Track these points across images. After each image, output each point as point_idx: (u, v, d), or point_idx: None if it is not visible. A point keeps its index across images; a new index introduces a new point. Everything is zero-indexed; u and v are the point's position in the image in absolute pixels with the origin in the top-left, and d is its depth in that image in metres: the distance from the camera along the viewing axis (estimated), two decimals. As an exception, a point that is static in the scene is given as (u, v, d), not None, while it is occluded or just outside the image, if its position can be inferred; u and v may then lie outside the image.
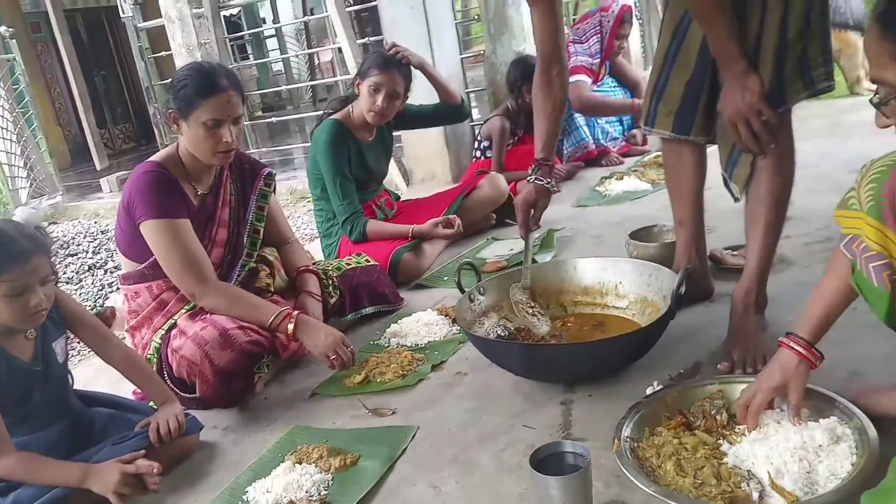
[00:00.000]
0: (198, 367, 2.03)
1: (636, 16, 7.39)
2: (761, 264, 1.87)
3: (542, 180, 2.06)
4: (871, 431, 1.32)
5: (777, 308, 1.99)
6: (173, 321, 2.15)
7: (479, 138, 4.06)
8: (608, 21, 4.26)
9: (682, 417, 1.52)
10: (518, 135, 3.97)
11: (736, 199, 1.94)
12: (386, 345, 2.34)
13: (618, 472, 1.41)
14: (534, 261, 2.75)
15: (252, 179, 2.37)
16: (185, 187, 2.17)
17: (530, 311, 2.10)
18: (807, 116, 4.62)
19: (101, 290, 3.97)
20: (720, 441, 1.44)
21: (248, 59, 12.39)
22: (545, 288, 2.19)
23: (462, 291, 2.11)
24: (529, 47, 5.05)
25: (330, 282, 2.49)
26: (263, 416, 2.06)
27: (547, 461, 1.37)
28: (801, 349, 1.39)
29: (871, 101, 1.10)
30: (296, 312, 2.12)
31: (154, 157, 2.18)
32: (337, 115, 3.07)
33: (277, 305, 2.18)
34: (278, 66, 14.14)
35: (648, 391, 1.67)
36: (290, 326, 2.08)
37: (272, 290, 2.37)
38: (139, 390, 2.11)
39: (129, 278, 2.20)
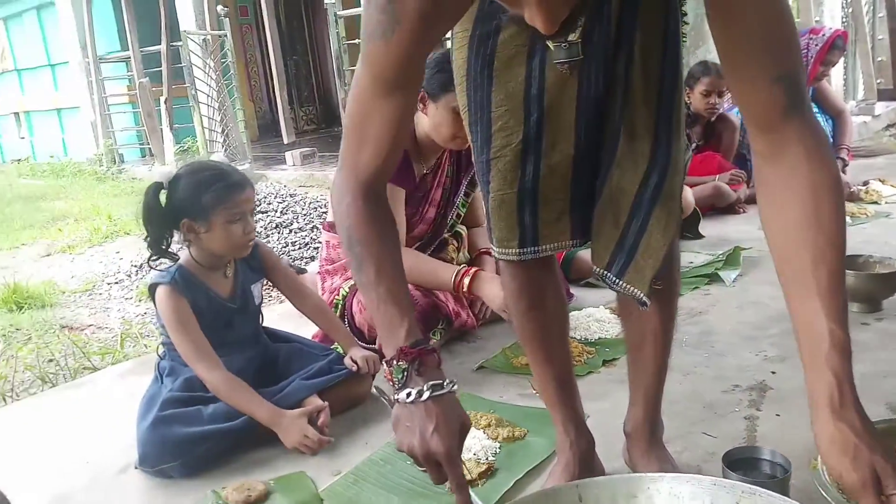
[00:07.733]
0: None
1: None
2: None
3: None
4: None
5: None
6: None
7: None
8: (816, 45, 4.00)
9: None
10: (696, 143, 3.87)
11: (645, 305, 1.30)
12: (555, 334, 2.33)
13: (813, 495, 1.30)
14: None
15: (467, 166, 2.42)
16: (414, 163, 2.28)
17: None
18: None
19: (286, 247, 4.23)
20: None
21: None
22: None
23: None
24: (714, 57, 4.87)
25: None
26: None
27: (738, 465, 1.30)
28: None
29: None
30: (473, 269, 2.22)
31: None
32: None
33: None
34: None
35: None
36: (467, 281, 2.18)
37: (455, 263, 2.44)
38: (321, 334, 2.25)
39: (334, 226, 2.31)
